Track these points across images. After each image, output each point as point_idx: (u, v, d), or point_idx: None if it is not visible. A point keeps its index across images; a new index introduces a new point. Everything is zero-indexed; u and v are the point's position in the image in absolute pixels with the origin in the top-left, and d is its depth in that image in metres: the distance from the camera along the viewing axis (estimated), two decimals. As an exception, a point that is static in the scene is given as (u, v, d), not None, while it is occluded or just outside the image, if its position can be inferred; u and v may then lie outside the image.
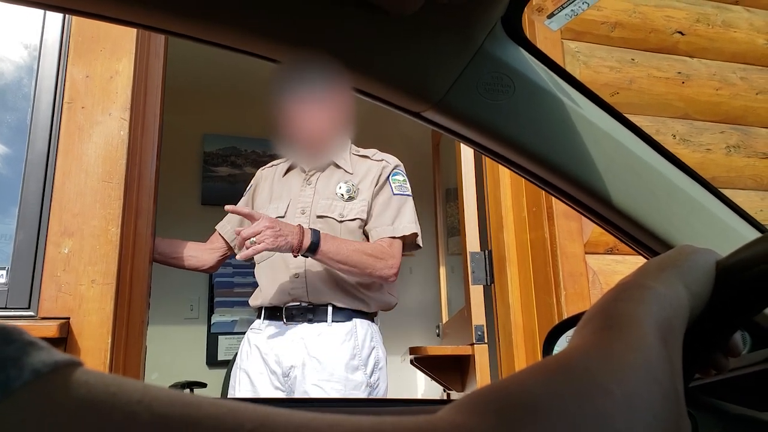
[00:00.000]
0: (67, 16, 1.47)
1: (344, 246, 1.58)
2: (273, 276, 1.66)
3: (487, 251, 2.06)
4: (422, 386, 3.57)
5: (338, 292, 1.63)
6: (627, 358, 0.25)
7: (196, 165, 3.62)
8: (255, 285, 1.78)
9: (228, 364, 2.94)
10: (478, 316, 2.01)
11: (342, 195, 1.69)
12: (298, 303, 1.63)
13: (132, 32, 1.47)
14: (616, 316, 0.30)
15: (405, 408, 0.70)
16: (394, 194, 1.72)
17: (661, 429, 0.22)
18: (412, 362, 2.48)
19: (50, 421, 0.15)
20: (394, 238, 1.66)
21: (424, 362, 2.43)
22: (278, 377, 1.62)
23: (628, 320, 0.29)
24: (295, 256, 1.56)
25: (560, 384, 0.21)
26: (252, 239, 1.47)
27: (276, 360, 1.62)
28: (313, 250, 1.53)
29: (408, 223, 1.70)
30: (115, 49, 1.46)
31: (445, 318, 2.92)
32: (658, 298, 0.33)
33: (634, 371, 0.24)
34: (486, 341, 1.99)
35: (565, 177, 0.57)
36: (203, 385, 2.96)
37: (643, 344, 0.27)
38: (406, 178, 1.78)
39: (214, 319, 3.41)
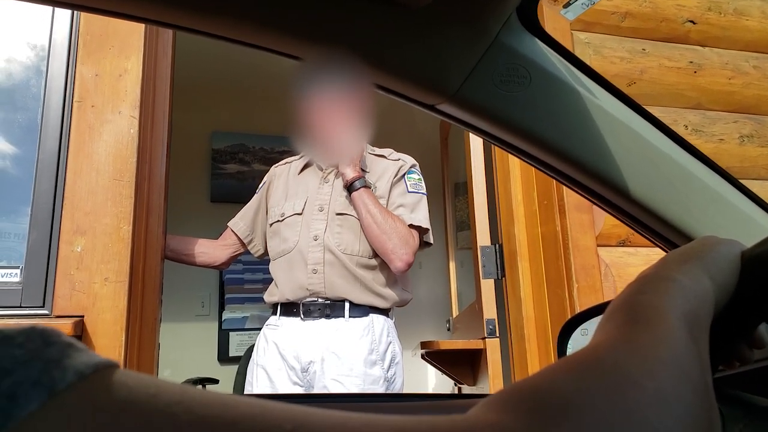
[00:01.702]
0: (75, 14, 1.47)
1: (381, 206, 1.65)
2: (290, 272, 1.66)
3: (497, 245, 2.06)
4: (433, 380, 3.58)
5: (355, 288, 1.64)
6: (655, 352, 0.25)
7: (205, 162, 3.62)
8: (265, 281, 1.78)
9: (239, 361, 2.96)
10: (490, 310, 2.01)
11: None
12: (315, 299, 1.64)
13: (140, 29, 1.47)
14: (642, 310, 0.29)
15: (425, 403, 0.70)
16: (409, 191, 1.73)
17: (693, 422, 0.21)
18: (423, 357, 2.48)
19: (95, 423, 0.15)
20: (411, 226, 1.68)
21: (436, 356, 2.43)
22: (297, 372, 1.63)
23: (654, 313, 0.29)
24: (345, 184, 1.65)
25: (591, 380, 0.21)
26: None
27: (294, 355, 1.63)
28: (358, 186, 1.63)
29: (425, 219, 1.72)
30: (124, 47, 1.46)
31: (455, 312, 2.92)
32: (682, 291, 0.32)
33: (663, 365, 0.24)
34: (497, 335, 1.99)
35: (582, 168, 0.56)
36: (215, 381, 2.97)
37: (670, 337, 0.26)
38: (421, 177, 1.79)
39: (225, 315, 3.42)
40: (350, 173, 1.64)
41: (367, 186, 1.65)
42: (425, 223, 1.71)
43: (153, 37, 1.55)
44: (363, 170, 1.74)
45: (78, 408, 0.15)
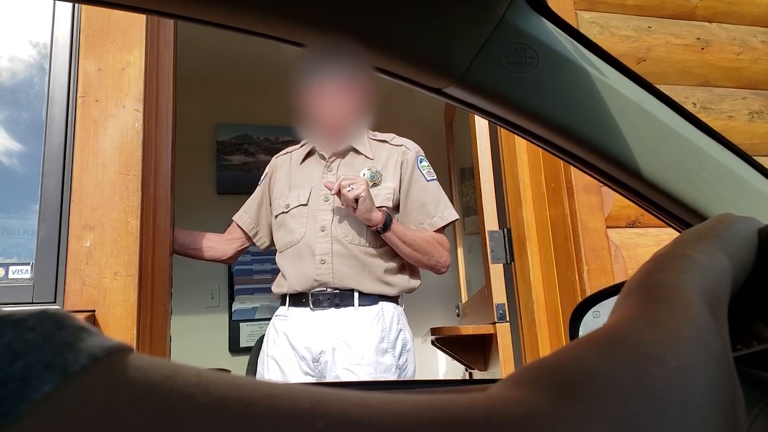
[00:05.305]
0: (76, 10, 1.46)
1: (409, 230, 1.67)
2: (299, 263, 1.67)
3: (505, 229, 2.05)
4: (443, 366, 3.59)
5: (364, 278, 1.64)
6: (678, 329, 0.24)
7: (210, 154, 3.63)
8: (274, 272, 1.78)
9: (250, 351, 2.97)
10: (499, 295, 2.00)
11: (366, 181, 1.70)
12: (324, 289, 1.64)
13: (141, 23, 1.47)
14: (660, 287, 0.29)
15: (438, 389, 0.70)
16: (428, 180, 1.74)
17: (719, 396, 0.21)
18: (433, 343, 2.49)
19: (110, 404, 0.15)
20: (441, 229, 1.72)
21: (446, 342, 2.43)
22: (308, 363, 1.63)
23: (672, 291, 0.28)
24: (371, 228, 1.63)
25: (614, 356, 0.21)
26: (351, 187, 1.56)
27: (305, 346, 1.63)
28: (386, 227, 1.61)
29: (450, 208, 1.76)
30: (126, 41, 1.45)
31: (464, 298, 2.92)
32: (700, 268, 0.31)
33: (686, 342, 0.23)
34: (507, 320, 1.99)
35: (592, 149, 0.56)
36: (227, 372, 3.00)
37: (691, 315, 0.26)
38: (428, 161, 1.79)
39: (235, 306, 3.44)
40: (376, 215, 1.60)
41: (390, 219, 1.64)
42: (453, 214, 1.76)
43: (154, 29, 1.54)
44: (367, 157, 1.73)
45: (92, 389, 0.15)
